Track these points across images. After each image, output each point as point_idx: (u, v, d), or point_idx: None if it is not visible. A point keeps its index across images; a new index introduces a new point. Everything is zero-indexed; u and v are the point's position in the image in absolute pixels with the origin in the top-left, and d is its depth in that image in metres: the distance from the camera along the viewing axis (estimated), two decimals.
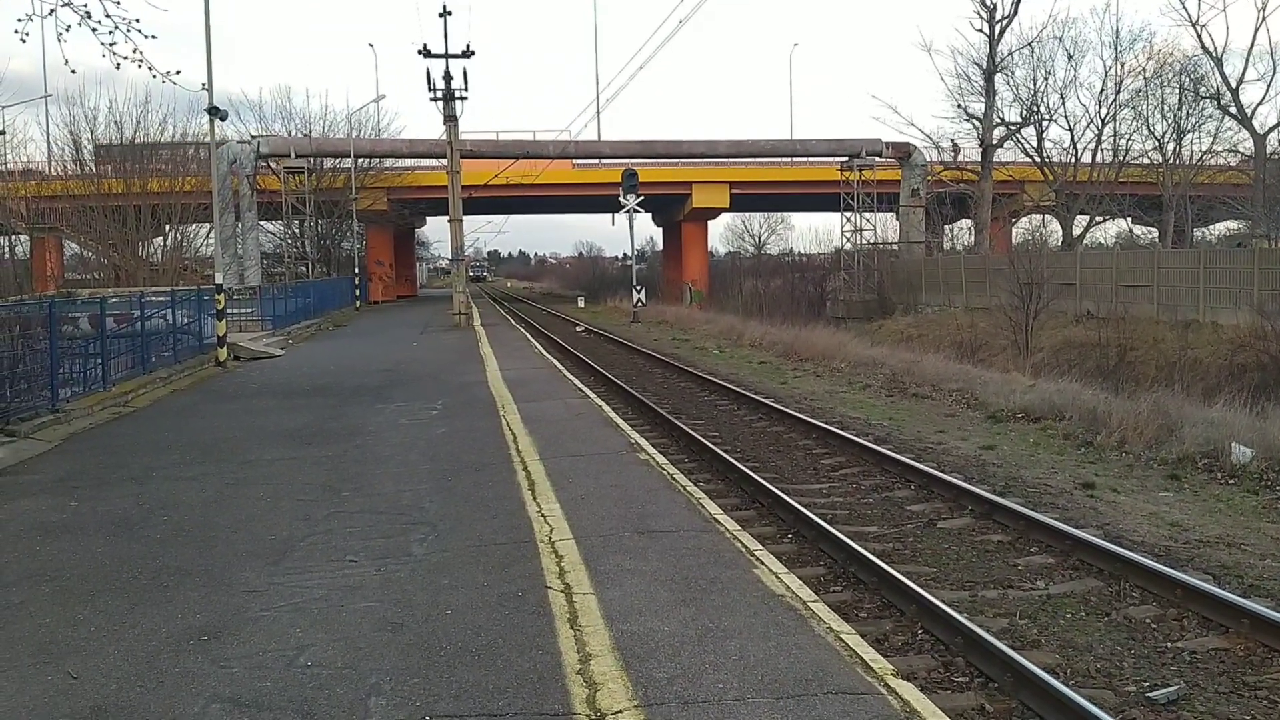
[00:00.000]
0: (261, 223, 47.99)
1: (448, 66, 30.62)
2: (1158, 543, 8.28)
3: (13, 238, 37.85)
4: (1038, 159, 44.44)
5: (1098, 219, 44.88)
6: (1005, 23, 41.82)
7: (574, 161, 53.05)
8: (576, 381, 16.57)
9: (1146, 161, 43.89)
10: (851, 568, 7.52)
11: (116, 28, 9.23)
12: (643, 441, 10.84)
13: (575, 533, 6.97)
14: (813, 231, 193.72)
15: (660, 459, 9.77)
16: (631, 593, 5.70)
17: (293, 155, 45.95)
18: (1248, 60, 65.08)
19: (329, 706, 4.33)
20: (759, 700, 4.31)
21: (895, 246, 47.67)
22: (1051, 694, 5.13)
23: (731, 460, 11.12)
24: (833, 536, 8.01)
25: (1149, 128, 43.09)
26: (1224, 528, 8.74)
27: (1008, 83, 44.06)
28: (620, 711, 4.22)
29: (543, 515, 7.46)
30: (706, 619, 5.27)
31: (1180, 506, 9.53)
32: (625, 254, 64.43)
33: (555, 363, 20.33)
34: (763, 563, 6.30)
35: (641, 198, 41.14)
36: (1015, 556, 8.00)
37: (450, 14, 30.17)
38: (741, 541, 6.80)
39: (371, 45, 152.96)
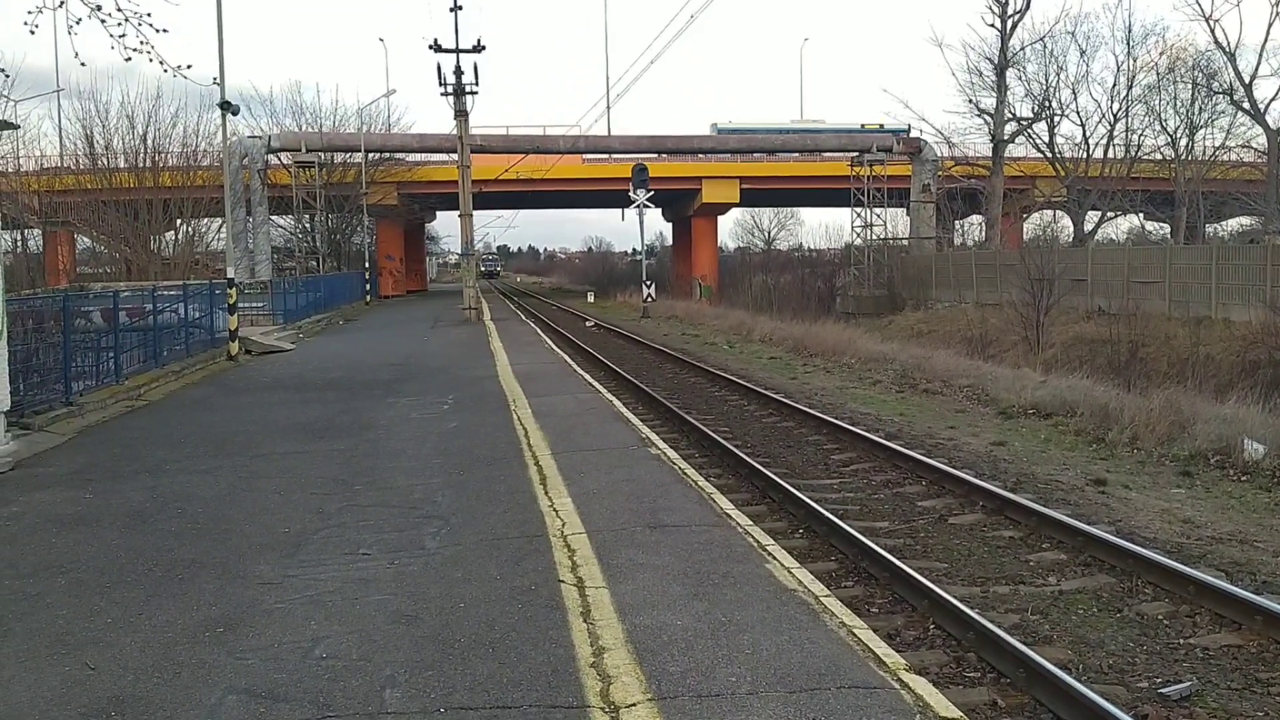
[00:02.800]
0: (273, 217, 48.09)
1: (458, 61, 30.60)
2: (1170, 539, 8.27)
3: (25, 231, 37.99)
4: (1049, 154, 44.24)
5: (1109, 215, 44.69)
6: (1017, 17, 41.62)
7: (584, 156, 53.02)
8: (587, 376, 16.59)
9: (1159, 157, 43.67)
10: (863, 563, 7.52)
11: (127, 20, 9.22)
12: (653, 436, 10.85)
13: (587, 527, 6.99)
14: (823, 227, 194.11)
15: (671, 454, 9.77)
16: (644, 587, 5.72)
17: (304, 150, 45.99)
18: (1261, 55, 64.90)
19: (345, 698, 4.36)
20: (772, 694, 4.32)
21: (906, 242, 47.54)
22: (1064, 690, 5.14)
23: (742, 455, 11.12)
24: (844, 532, 8.02)
25: (1161, 123, 42.92)
26: (1236, 524, 8.71)
27: (1019, 78, 43.93)
28: (634, 704, 4.24)
29: (555, 509, 7.48)
30: (719, 613, 5.28)
31: (1192, 503, 9.51)
32: (635, 249, 64.54)
33: (565, 358, 20.36)
34: (775, 558, 6.31)
35: (651, 193, 41.14)
36: (1027, 552, 7.99)
37: (460, 8, 30.15)
38: (753, 536, 6.80)
39: (382, 40, 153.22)
